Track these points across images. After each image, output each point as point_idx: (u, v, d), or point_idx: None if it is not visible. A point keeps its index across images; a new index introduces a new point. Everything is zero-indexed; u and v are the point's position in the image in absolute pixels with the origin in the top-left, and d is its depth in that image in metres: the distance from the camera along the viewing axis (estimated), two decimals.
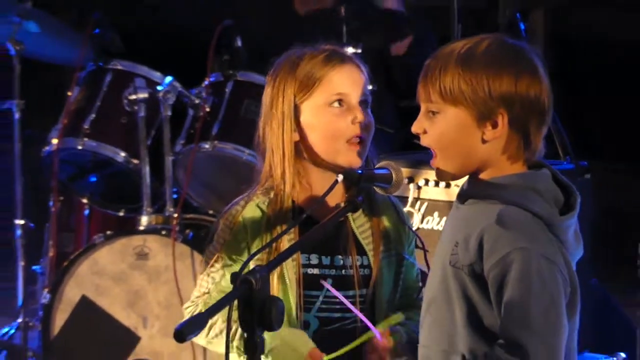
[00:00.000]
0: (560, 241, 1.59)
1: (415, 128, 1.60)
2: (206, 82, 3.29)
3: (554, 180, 1.63)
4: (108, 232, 3.22)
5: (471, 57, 1.55)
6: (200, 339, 1.92)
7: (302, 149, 1.90)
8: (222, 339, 1.89)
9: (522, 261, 1.53)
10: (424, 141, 1.61)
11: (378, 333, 1.82)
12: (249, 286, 1.34)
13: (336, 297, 1.84)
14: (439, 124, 1.59)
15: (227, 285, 1.87)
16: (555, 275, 1.55)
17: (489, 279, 1.57)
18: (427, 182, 2.75)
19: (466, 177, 1.68)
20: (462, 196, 1.69)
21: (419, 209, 2.79)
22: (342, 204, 1.80)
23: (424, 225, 2.75)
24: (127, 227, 3.45)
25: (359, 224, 1.95)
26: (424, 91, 1.59)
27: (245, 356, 1.39)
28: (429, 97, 1.57)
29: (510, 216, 1.58)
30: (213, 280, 1.95)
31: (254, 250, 1.87)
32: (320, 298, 1.91)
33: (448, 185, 2.64)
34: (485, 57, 1.55)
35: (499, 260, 1.55)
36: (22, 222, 3.46)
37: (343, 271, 1.93)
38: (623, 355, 2.87)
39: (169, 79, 3.22)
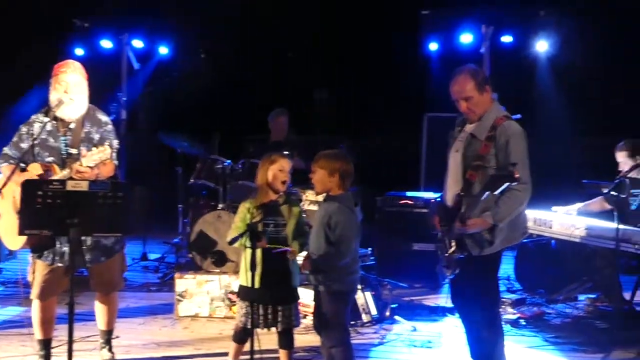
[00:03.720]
0: (353, 211, 4.95)
1: None
2: None
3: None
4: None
5: None
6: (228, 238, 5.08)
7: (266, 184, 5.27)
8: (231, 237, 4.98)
9: (340, 213, 4.84)
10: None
11: (290, 248, 5.08)
12: (253, 225, 5.08)
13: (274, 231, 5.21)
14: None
15: (239, 225, 5.17)
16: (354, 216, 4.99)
17: (331, 225, 4.86)
18: (310, 195, 7.83)
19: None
20: (325, 200, 5.01)
21: (308, 203, 7.89)
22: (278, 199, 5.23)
23: (310, 207, 7.84)
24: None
25: (283, 206, 5.26)
26: None
27: (250, 242, 5.11)
28: None
29: (343, 204, 4.89)
30: (236, 224, 5.23)
31: (249, 217, 5.24)
32: (269, 230, 5.13)
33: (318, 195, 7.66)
34: None
35: (331, 217, 4.82)
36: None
37: (276, 220, 5.20)
38: None
39: None
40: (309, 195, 7.47)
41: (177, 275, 7.05)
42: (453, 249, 4.76)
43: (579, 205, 7.13)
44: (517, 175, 4.49)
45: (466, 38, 10.37)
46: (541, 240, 7.53)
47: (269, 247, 5.02)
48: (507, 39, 10.31)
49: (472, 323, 5.06)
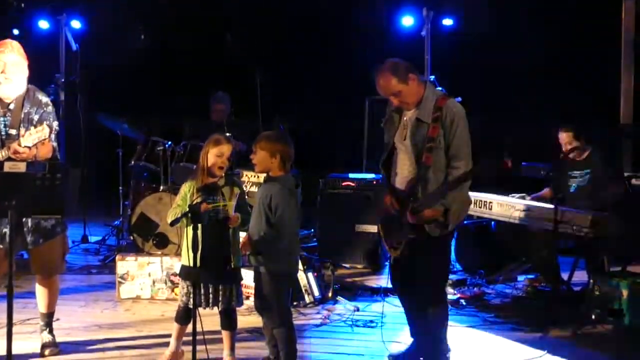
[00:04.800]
0: (293, 193, 4.98)
1: None
2: None
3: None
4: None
5: None
6: (169, 219, 5.10)
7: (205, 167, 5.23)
8: (172, 217, 5.04)
9: (280, 195, 4.86)
10: None
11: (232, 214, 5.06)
12: (195, 205, 4.98)
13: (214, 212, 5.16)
14: None
15: (180, 204, 5.14)
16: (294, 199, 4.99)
17: (271, 206, 4.86)
18: (252, 176, 7.87)
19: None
20: (265, 181, 5.05)
21: (250, 185, 7.93)
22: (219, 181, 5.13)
23: (252, 189, 7.88)
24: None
25: (225, 187, 5.22)
26: None
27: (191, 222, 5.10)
28: None
29: (284, 186, 4.91)
30: (176, 202, 5.23)
31: (189, 198, 5.14)
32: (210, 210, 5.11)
33: (259, 177, 7.67)
34: None
35: (272, 198, 4.85)
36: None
37: (216, 201, 5.06)
38: None
39: None
40: (251, 176, 7.46)
41: (118, 257, 6.99)
42: (404, 232, 4.88)
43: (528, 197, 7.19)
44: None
45: (407, 21, 10.40)
46: (481, 222, 7.62)
47: (210, 208, 5.01)
48: (448, 22, 10.36)
49: (418, 302, 5.14)
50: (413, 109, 5.01)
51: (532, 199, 7.10)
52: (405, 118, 5.07)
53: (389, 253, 5.16)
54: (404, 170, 5.04)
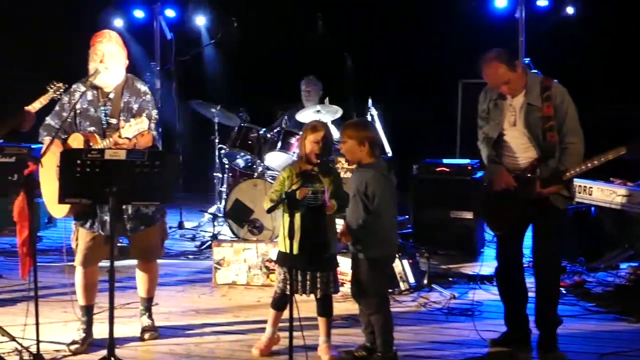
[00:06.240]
0: (387, 178, 5.00)
1: None
2: None
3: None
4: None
5: None
6: (265, 206, 5.10)
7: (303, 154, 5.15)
8: (268, 204, 5.01)
9: (376, 181, 4.84)
10: None
11: (328, 202, 5.01)
12: (292, 192, 4.73)
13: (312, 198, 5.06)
14: None
15: (277, 190, 5.10)
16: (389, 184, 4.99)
17: (367, 194, 4.85)
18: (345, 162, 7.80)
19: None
20: (357, 168, 4.99)
21: (344, 172, 7.80)
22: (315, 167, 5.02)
23: (345, 175, 7.79)
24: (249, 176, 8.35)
25: (322, 173, 5.07)
26: None
27: (288, 209, 4.61)
28: None
29: (378, 171, 4.89)
30: (273, 189, 5.24)
31: (288, 184, 5.06)
32: (307, 196, 4.96)
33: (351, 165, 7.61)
34: None
35: (367, 185, 4.84)
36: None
37: (315, 187, 5.02)
38: None
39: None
40: (344, 163, 7.42)
41: (214, 243, 7.08)
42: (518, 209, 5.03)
43: None
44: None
45: (501, 2, 10.18)
46: (581, 208, 7.42)
47: (306, 195, 5.00)
48: (542, 2, 10.09)
49: (543, 283, 5.25)
50: (519, 95, 5.09)
51: None
52: (510, 104, 5.13)
53: (495, 232, 5.28)
54: (521, 152, 5.11)
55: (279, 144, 8.03)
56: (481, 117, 5.33)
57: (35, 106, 5.62)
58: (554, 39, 9.91)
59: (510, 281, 5.38)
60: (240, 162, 8.62)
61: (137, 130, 5.03)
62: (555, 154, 4.98)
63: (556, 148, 4.97)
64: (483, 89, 5.33)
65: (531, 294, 5.36)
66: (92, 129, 5.28)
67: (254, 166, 8.23)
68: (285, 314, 4.88)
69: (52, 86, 5.50)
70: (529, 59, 8.77)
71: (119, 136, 5.05)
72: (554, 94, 4.97)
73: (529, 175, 5.04)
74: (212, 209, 9.18)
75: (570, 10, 9.87)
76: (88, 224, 5.28)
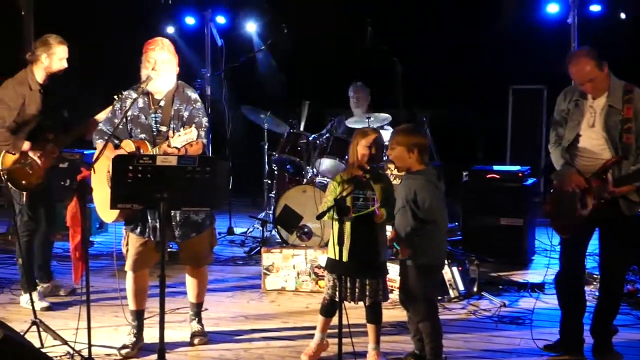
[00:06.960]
0: (437, 186, 5.01)
1: None
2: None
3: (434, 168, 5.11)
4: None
5: None
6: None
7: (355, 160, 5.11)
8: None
9: (425, 189, 4.81)
10: None
11: (378, 211, 5.02)
12: (341, 199, 4.71)
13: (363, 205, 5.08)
14: None
15: (329, 199, 5.11)
16: (438, 191, 4.96)
17: (417, 201, 4.80)
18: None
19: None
20: (407, 175, 4.96)
21: (393, 178, 7.81)
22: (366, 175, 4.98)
23: (395, 182, 7.76)
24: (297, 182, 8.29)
25: (373, 179, 5.03)
26: None
27: (337, 215, 4.53)
28: None
29: (427, 179, 4.90)
30: (326, 198, 5.32)
31: (339, 190, 5.01)
32: (358, 203, 4.99)
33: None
34: None
35: (417, 193, 4.80)
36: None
37: (365, 194, 5.00)
38: None
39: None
40: (393, 169, 7.37)
41: (263, 249, 7.11)
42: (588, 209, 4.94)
43: None
44: None
45: (552, 8, 10.06)
46: None
47: (355, 215, 4.98)
48: (595, 7, 9.93)
49: (606, 292, 5.21)
50: (601, 96, 5.06)
51: None
52: (590, 105, 5.11)
53: (559, 235, 5.18)
54: (596, 154, 5.04)
55: (328, 150, 8.03)
56: (556, 119, 5.30)
57: (101, 117, 5.70)
58: (606, 44, 9.75)
59: (569, 289, 5.30)
60: (290, 168, 8.63)
61: (185, 140, 5.05)
62: (629, 156, 4.92)
63: (631, 150, 4.92)
64: (562, 91, 5.30)
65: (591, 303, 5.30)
66: (143, 136, 5.33)
67: (303, 172, 8.23)
68: (334, 320, 4.87)
69: (119, 96, 5.56)
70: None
71: (168, 145, 5.08)
72: (636, 97, 4.96)
73: (602, 176, 4.96)
74: (261, 215, 9.21)
75: (622, 15, 9.70)
76: (138, 230, 5.34)
